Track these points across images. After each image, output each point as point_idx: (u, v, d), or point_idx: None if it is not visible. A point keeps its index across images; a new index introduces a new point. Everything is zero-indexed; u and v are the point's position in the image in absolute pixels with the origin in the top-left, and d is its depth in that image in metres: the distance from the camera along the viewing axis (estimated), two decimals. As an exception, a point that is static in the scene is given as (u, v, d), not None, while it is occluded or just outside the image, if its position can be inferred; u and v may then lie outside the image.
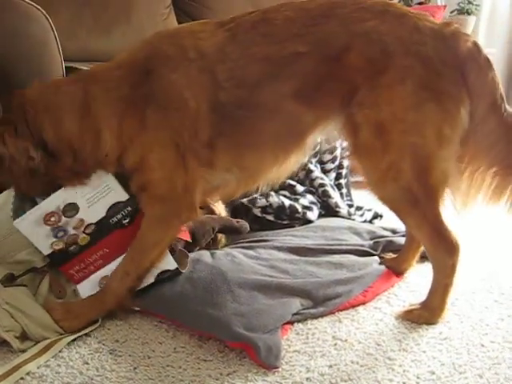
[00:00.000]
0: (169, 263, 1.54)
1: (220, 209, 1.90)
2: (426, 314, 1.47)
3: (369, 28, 1.39)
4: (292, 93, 1.44)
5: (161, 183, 1.46)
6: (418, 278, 1.71)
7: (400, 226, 1.98)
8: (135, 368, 1.28)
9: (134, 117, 1.44)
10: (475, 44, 1.42)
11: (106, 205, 1.51)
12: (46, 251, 1.50)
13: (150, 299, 1.50)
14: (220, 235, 1.85)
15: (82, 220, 1.50)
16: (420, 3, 3.81)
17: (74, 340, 1.38)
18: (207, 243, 1.78)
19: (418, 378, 1.24)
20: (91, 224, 1.51)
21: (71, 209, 1.49)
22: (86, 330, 1.41)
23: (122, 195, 1.51)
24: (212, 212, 1.86)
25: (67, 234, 1.50)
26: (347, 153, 1.50)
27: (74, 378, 1.24)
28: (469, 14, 3.64)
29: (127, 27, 2.85)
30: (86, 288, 1.52)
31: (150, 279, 1.52)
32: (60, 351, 1.33)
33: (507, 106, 1.42)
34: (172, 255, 1.55)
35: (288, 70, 1.43)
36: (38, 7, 1.76)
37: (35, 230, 1.47)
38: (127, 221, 1.53)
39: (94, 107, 1.45)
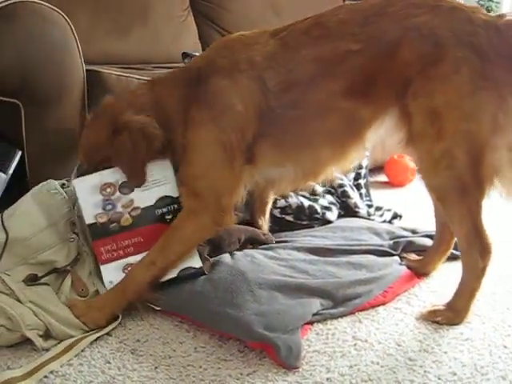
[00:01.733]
0: (194, 260, 1.56)
1: (264, 223, 1.92)
2: (450, 314, 1.46)
3: (421, 22, 1.42)
4: (345, 90, 1.48)
5: (201, 179, 1.53)
6: (439, 279, 1.70)
7: (420, 226, 1.98)
8: (156, 367, 1.29)
9: (186, 113, 1.54)
10: None
11: (158, 195, 1.58)
12: (89, 220, 1.55)
13: (170, 299, 1.51)
14: (249, 246, 1.85)
15: (132, 201, 1.57)
16: (439, 2, 3.78)
17: (96, 339, 1.39)
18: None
19: (439, 379, 1.24)
20: (138, 208, 1.57)
21: (127, 186, 1.57)
22: (108, 329, 1.42)
23: (174, 191, 1.59)
24: (255, 222, 1.89)
25: (114, 209, 1.55)
26: (402, 144, 1.50)
27: (96, 377, 1.25)
28: (489, 11, 3.62)
29: (145, 30, 2.88)
30: (110, 271, 1.54)
31: (173, 274, 1.54)
32: (82, 350, 1.35)
33: None
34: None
35: (340, 68, 1.49)
36: (59, 11, 1.78)
37: (88, 195, 1.54)
38: (170, 217, 1.58)
39: (161, 101, 1.58)
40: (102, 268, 1.54)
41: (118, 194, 1.56)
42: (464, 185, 1.40)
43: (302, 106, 1.51)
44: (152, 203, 1.58)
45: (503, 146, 1.39)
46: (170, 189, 1.58)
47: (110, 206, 1.56)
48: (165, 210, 1.59)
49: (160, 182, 1.59)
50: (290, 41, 1.53)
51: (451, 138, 1.39)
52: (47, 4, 1.76)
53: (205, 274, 1.56)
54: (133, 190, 1.57)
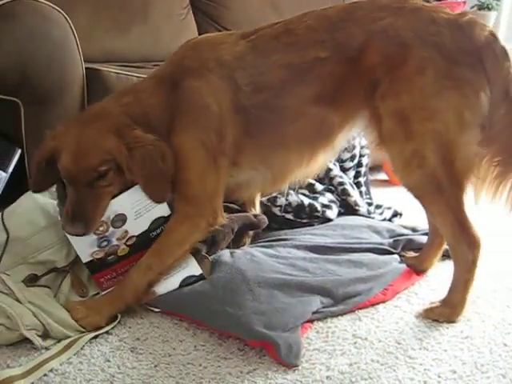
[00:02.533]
0: (193, 268, 1.56)
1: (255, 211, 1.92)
2: (446, 311, 1.47)
3: (385, 25, 1.45)
4: (314, 96, 1.51)
5: (192, 184, 1.53)
6: (439, 276, 1.70)
7: (420, 224, 1.98)
8: (156, 366, 1.29)
9: (167, 121, 1.53)
10: (492, 33, 1.45)
11: (150, 219, 1.55)
12: (85, 259, 1.52)
13: (169, 299, 1.51)
14: (245, 236, 1.85)
15: (126, 232, 1.53)
16: (439, -1, 3.77)
17: (96, 338, 1.39)
18: (228, 245, 1.78)
19: (439, 376, 1.24)
20: (133, 236, 1.55)
21: (120, 220, 1.52)
22: (107, 328, 1.42)
23: (165, 210, 1.56)
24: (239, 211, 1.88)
25: (110, 244, 1.53)
26: (374, 144, 1.53)
27: (95, 375, 1.25)
28: (489, 9, 3.61)
29: (145, 28, 2.87)
30: None
31: (175, 285, 1.53)
32: (82, 349, 1.35)
33: None
34: (195, 259, 1.57)
35: (309, 75, 1.51)
36: (58, 9, 1.78)
37: (82, 238, 1.48)
38: None
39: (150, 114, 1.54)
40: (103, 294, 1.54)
41: (111, 229, 1.51)
42: (438, 182, 1.42)
43: (274, 108, 1.54)
44: (146, 228, 1.56)
45: (472, 141, 1.41)
46: (161, 209, 1.55)
47: (105, 243, 1.52)
48: (159, 230, 1.57)
49: (150, 205, 1.54)
50: (260, 45, 1.55)
51: (419, 138, 1.41)
52: (47, 2, 1.75)
53: (206, 279, 1.56)
54: (125, 222, 1.53)
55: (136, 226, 1.54)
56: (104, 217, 1.49)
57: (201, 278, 1.56)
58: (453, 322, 1.46)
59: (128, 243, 1.55)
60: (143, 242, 1.56)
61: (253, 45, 1.55)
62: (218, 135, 1.52)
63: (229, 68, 1.53)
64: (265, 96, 1.53)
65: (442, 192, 1.42)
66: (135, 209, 1.53)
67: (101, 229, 1.49)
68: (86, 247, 1.51)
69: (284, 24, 1.58)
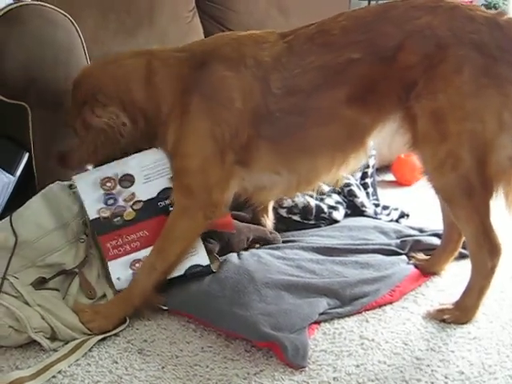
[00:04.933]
0: (202, 258, 1.56)
1: (267, 221, 1.92)
2: (458, 313, 1.46)
3: (421, 25, 1.42)
4: (348, 98, 1.48)
5: (192, 172, 1.52)
6: (446, 278, 1.70)
7: (427, 225, 1.97)
8: (163, 367, 1.29)
9: (183, 98, 1.52)
10: None
11: (159, 187, 1.58)
12: (92, 215, 1.56)
13: (177, 298, 1.52)
14: (257, 246, 1.85)
15: (133, 194, 1.57)
16: (446, -1, 3.76)
17: (104, 340, 1.40)
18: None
19: (446, 378, 1.23)
20: (140, 201, 1.57)
21: (128, 180, 1.57)
22: (115, 331, 1.43)
23: None
24: (258, 222, 1.89)
25: (116, 203, 1.56)
26: (407, 146, 1.50)
27: (103, 377, 1.26)
28: (496, 8, 3.60)
29: (151, 31, 2.87)
30: (117, 268, 1.55)
31: (180, 271, 1.54)
32: (90, 350, 1.36)
33: None
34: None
35: (342, 76, 1.49)
36: (65, 13, 1.79)
37: (90, 191, 1.55)
38: None
39: (156, 80, 1.55)
40: (110, 264, 1.54)
41: (118, 187, 1.57)
42: (470, 185, 1.39)
43: (303, 112, 1.51)
44: (154, 195, 1.58)
45: (509, 144, 1.38)
46: (170, 180, 1.58)
47: (111, 201, 1.56)
48: (167, 201, 1.59)
49: (161, 173, 1.58)
50: (295, 46, 1.53)
51: (455, 138, 1.38)
52: (53, 7, 1.77)
53: (213, 272, 1.57)
54: (133, 183, 1.57)
55: (144, 191, 1.58)
56: (113, 173, 1.56)
57: (207, 269, 1.56)
58: (463, 324, 1.45)
59: (135, 207, 1.57)
60: (150, 210, 1.57)
61: (289, 46, 1.53)
62: (233, 132, 1.50)
63: (265, 69, 1.50)
64: (296, 99, 1.50)
65: (472, 196, 1.39)
66: (145, 172, 1.57)
67: (108, 184, 1.55)
68: (93, 202, 1.55)
69: (318, 25, 1.56)
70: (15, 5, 1.71)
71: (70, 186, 1.68)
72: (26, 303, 1.39)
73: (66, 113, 1.62)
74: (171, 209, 1.57)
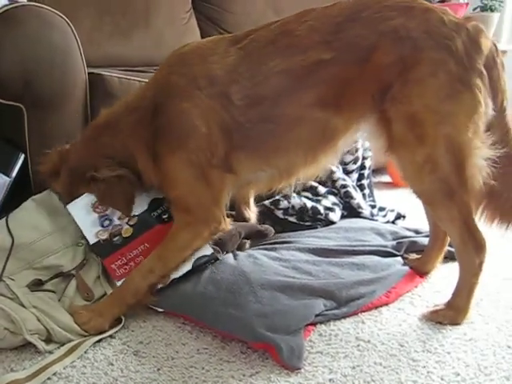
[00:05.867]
0: (205, 249, 1.57)
1: (251, 214, 1.92)
2: (451, 313, 1.47)
3: (396, 25, 1.40)
4: (318, 101, 1.46)
5: (185, 198, 1.53)
6: (442, 279, 1.70)
7: (423, 226, 1.97)
8: (159, 369, 1.29)
9: (153, 148, 1.53)
10: (494, 44, 1.44)
11: (148, 198, 1.62)
12: (92, 240, 1.58)
13: (172, 299, 1.51)
14: (245, 241, 1.85)
15: None
16: (441, 1, 3.77)
17: (99, 341, 1.40)
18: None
19: (442, 379, 1.23)
20: (134, 216, 1.61)
21: None
22: (111, 332, 1.42)
23: (160, 193, 1.61)
24: (242, 216, 1.89)
25: (112, 223, 1.59)
26: (383, 150, 1.49)
27: (99, 379, 1.25)
28: (492, 10, 3.60)
29: (147, 32, 2.88)
30: None
31: (188, 266, 1.54)
32: (85, 352, 1.35)
33: (508, 109, 1.47)
34: None
35: (311, 79, 1.45)
36: (61, 14, 1.78)
37: (84, 216, 1.59)
38: (166, 216, 1.61)
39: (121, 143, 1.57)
40: (118, 284, 1.55)
41: (110, 208, 1.60)
42: (450, 187, 1.40)
43: (272, 119, 1.48)
44: (146, 207, 1.62)
45: (482, 145, 1.40)
46: (156, 192, 1.62)
47: (107, 222, 1.60)
48: (159, 211, 1.63)
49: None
50: (253, 51, 1.47)
51: (432, 142, 1.38)
52: (49, 8, 1.76)
53: (218, 260, 1.58)
54: None
55: (135, 205, 1.60)
56: None
57: (212, 257, 1.57)
58: (457, 324, 1.45)
59: (130, 223, 1.61)
60: (145, 222, 1.60)
61: (245, 52, 1.48)
62: (208, 153, 1.49)
63: (221, 84, 1.46)
64: (262, 107, 1.47)
65: (453, 197, 1.40)
66: None
67: (100, 207, 1.58)
68: (89, 226, 1.59)
69: (280, 25, 1.50)
70: (11, 6, 1.70)
71: None
72: (22, 305, 1.39)
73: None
74: (164, 216, 1.61)
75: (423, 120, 1.38)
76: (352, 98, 1.45)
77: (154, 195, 1.63)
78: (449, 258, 1.75)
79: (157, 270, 1.49)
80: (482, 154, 1.40)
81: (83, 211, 1.60)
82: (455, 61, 1.37)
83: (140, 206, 1.62)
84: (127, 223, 1.61)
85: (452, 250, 1.73)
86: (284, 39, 1.47)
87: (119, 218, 1.61)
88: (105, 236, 1.59)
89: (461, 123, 1.38)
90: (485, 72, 1.39)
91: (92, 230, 1.59)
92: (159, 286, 1.51)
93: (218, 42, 1.55)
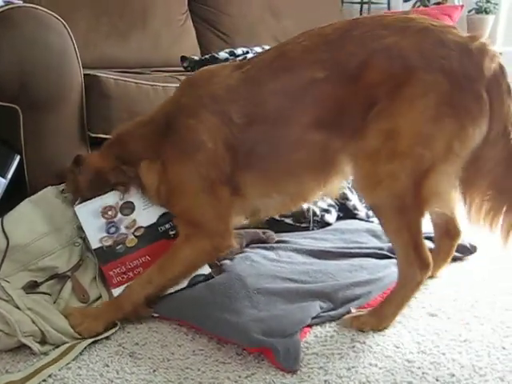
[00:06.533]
0: (203, 268, 1.58)
1: None
2: (373, 320, 1.44)
3: (388, 44, 1.37)
4: (314, 121, 1.45)
5: (191, 211, 1.55)
6: (437, 281, 1.70)
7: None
8: (155, 370, 1.29)
9: (163, 162, 1.57)
10: (501, 66, 1.38)
11: (158, 212, 1.62)
12: (95, 245, 1.58)
13: (168, 305, 1.51)
14: (246, 249, 1.85)
15: (134, 221, 1.61)
16: (437, 3, 3.78)
17: (95, 343, 1.39)
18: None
19: (437, 380, 1.24)
20: (142, 227, 1.61)
21: (128, 207, 1.61)
22: (106, 334, 1.42)
23: None
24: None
25: (118, 231, 1.59)
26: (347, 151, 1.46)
27: (94, 380, 1.25)
28: (487, 13, 3.62)
29: (144, 34, 2.88)
30: None
31: (183, 284, 1.54)
32: (81, 354, 1.35)
33: None
34: None
35: (306, 98, 1.45)
36: (57, 16, 1.78)
37: (91, 220, 1.58)
38: (173, 232, 1.61)
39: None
40: (114, 292, 1.55)
41: (119, 215, 1.60)
42: (402, 203, 1.36)
43: (271, 140, 1.49)
44: (154, 221, 1.62)
45: (452, 172, 1.37)
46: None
47: (113, 229, 1.59)
48: (167, 226, 1.62)
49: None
50: (253, 74, 1.51)
51: (402, 160, 1.34)
52: (45, 9, 1.76)
53: (213, 277, 1.58)
54: (134, 210, 1.61)
55: (144, 217, 1.61)
56: (113, 202, 1.60)
57: (209, 276, 1.57)
58: (378, 330, 1.43)
59: (136, 234, 1.60)
60: (151, 235, 1.60)
61: (246, 75, 1.52)
62: (215, 168, 1.51)
63: (222, 103, 1.51)
64: (260, 128, 1.49)
65: (404, 212, 1.37)
66: (143, 199, 1.62)
67: (109, 213, 1.58)
68: (95, 231, 1.58)
69: (278, 47, 1.54)
70: (7, 7, 1.70)
71: (63, 191, 1.69)
72: (17, 307, 1.39)
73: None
74: (171, 232, 1.61)
75: (401, 138, 1.34)
76: (346, 117, 1.42)
77: (164, 210, 1.63)
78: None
79: (155, 281, 1.49)
80: (444, 181, 1.37)
81: (91, 215, 1.59)
82: (449, 82, 1.32)
83: (149, 219, 1.62)
84: (133, 233, 1.60)
85: (456, 254, 1.75)
86: (280, 61, 1.49)
87: (126, 227, 1.60)
88: (109, 243, 1.58)
89: (437, 147, 1.34)
90: (485, 96, 1.33)
91: (97, 235, 1.58)
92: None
93: (224, 67, 1.63)
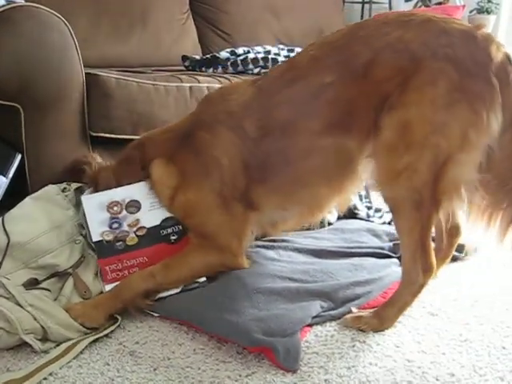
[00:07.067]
0: None
1: None
2: (375, 321, 1.44)
3: (393, 39, 1.39)
4: (325, 125, 1.47)
5: (205, 226, 1.58)
6: (438, 280, 1.70)
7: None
8: (155, 369, 1.29)
9: (175, 167, 1.63)
10: (508, 56, 1.38)
11: (163, 215, 1.64)
12: (95, 237, 1.59)
13: (168, 305, 1.51)
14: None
15: (138, 220, 1.62)
16: (439, 3, 3.79)
17: (95, 341, 1.39)
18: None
19: (437, 379, 1.24)
20: (144, 227, 1.62)
21: (134, 206, 1.63)
22: (107, 331, 1.42)
23: None
24: None
25: (121, 228, 1.60)
26: (364, 157, 1.48)
27: (95, 379, 1.26)
28: (488, 13, 3.62)
29: (145, 33, 2.89)
30: None
31: (177, 289, 1.55)
32: (81, 352, 1.35)
33: None
34: None
35: (316, 104, 1.48)
36: (58, 15, 1.78)
37: (96, 212, 1.60)
38: (175, 238, 1.63)
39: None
40: (106, 288, 1.55)
41: (124, 212, 1.62)
42: (421, 198, 1.35)
43: (284, 149, 1.52)
44: (157, 223, 1.63)
45: (469, 163, 1.35)
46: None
47: (116, 225, 1.60)
48: (170, 230, 1.63)
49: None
50: (266, 88, 1.57)
51: (418, 151, 1.34)
52: (46, 8, 1.76)
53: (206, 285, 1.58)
54: (139, 210, 1.63)
55: (148, 218, 1.62)
56: (120, 198, 1.63)
57: (203, 284, 1.57)
58: (379, 331, 1.43)
59: (138, 233, 1.61)
60: (153, 237, 1.61)
61: (258, 90, 1.58)
62: (229, 184, 1.56)
63: (237, 118, 1.56)
64: (273, 139, 1.53)
65: (421, 209, 1.36)
66: (150, 200, 1.64)
67: (115, 208, 1.60)
68: (97, 224, 1.59)
69: (289, 60, 1.59)
70: (8, 6, 1.71)
71: (64, 189, 1.69)
72: (18, 304, 1.39)
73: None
74: (173, 237, 1.63)
75: (415, 128, 1.35)
76: (358, 117, 1.44)
77: (168, 214, 1.64)
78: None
79: (158, 277, 1.51)
80: (463, 172, 1.35)
81: (97, 207, 1.61)
82: (456, 69, 1.32)
83: (153, 220, 1.63)
84: (135, 232, 1.62)
85: (456, 254, 1.76)
86: (290, 72, 1.54)
87: (129, 225, 1.62)
88: (109, 238, 1.59)
89: (452, 135, 1.33)
90: (495, 82, 1.32)
91: (99, 228, 1.60)
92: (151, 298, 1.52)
93: (240, 84, 1.71)
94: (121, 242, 1.60)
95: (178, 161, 1.63)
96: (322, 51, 1.50)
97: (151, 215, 1.63)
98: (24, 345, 1.36)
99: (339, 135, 1.46)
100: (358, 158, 1.48)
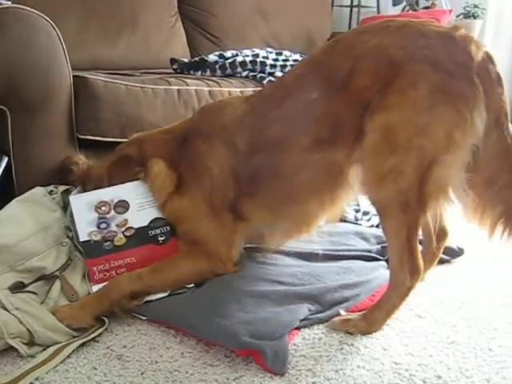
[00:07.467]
0: None
1: None
2: (363, 324, 1.44)
3: (371, 46, 1.41)
4: (313, 141, 1.50)
5: (194, 232, 1.60)
6: (426, 283, 1.71)
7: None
8: (143, 373, 1.28)
9: (172, 170, 1.67)
10: (489, 54, 1.39)
11: (151, 216, 1.64)
12: (83, 237, 1.58)
13: (156, 308, 1.51)
14: None
15: (126, 220, 1.63)
16: (426, 8, 3.81)
17: (82, 346, 1.38)
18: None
19: (424, 382, 1.24)
20: (132, 228, 1.62)
21: (122, 206, 1.64)
22: (93, 335, 1.41)
23: None
24: None
25: (109, 228, 1.60)
26: (350, 163, 1.48)
27: (82, 383, 1.25)
28: (475, 17, 3.65)
29: (134, 36, 2.88)
30: None
31: (165, 293, 1.55)
32: (68, 357, 1.34)
33: (509, 125, 1.39)
34: None
35: (303, 120, 1.52)
36: (46, 18, 1.78)
37: (84, 212, 1.60)
38: (163, 239, 1.63)
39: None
40: (94, 288, 1.55)
41: (112, 212, 1.62)
42: (407, 200, 1.35)
43: (274, 165, 1.56)
44: (145, 224, 1.63)
45: (455, 163, 1.35)
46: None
47: (104, 225, 1.60)
48: (158, 231, 1.64)
49: (153, 203, 1.66)
50: (257, 105, 1.62)
51: (403, 153, 1.34)
52: (34, 10, 1.75)
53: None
54: (127, 210, 1.63)
55: (136, 218, 1.63)
56: (108, 198, 1.62)
57: (192, 291, 1.57)
58: (367, 334, 1.43)
59: (126, 234, 1.62)
60: (140, 238, 1.61)
61: (251, 106, 1.63)
62: (219, 195, 1.59)
63: (230, 133, 1.61)
64: (264, 155, 1.57)
65: (408, 211, 1.36)
66: (138, 200, 1.65)
67: (103, 208, 1.60)
68: (85, 224, 1.59)
69: (278, 79, 1.65)
70: (-4, 8, 1.70)
71: (51, 192, 1.68)
72: (4, 308, 1.38)
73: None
74: (161, 238, 1.64)
75: (398, 131, 1.35)
76: (344, 129, 1.45)
77: (157, 214, 1.65)
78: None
79: (146, 279, 1.52)
80: (449, 173, 1.35)
81: (85, 207, 1.61)
82: (437, 70, 1.33)
83: (141, 221, 1.63)
84: (123, 233, 1.62)
85: (445, 256, 1.78)
86: (279, 91, 1.60)
87: (117, 225, 1.62)
88: (97, 238, 1.59)
89: (437, 136, 1.33)
90: (477, 81, 1.33)
91: (87, 228, 1.59)
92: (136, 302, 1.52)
93: (236, 99, 1.81)
94: (109, 243, 1.60)
95: (175, 165, 1.67)
96: (306, 69, 1.56)
97: (139, 216, 1.63)
98: (10, 349, 1.34)
99: (327, 149, 1.49)
100: (347, 168, 1.50)
